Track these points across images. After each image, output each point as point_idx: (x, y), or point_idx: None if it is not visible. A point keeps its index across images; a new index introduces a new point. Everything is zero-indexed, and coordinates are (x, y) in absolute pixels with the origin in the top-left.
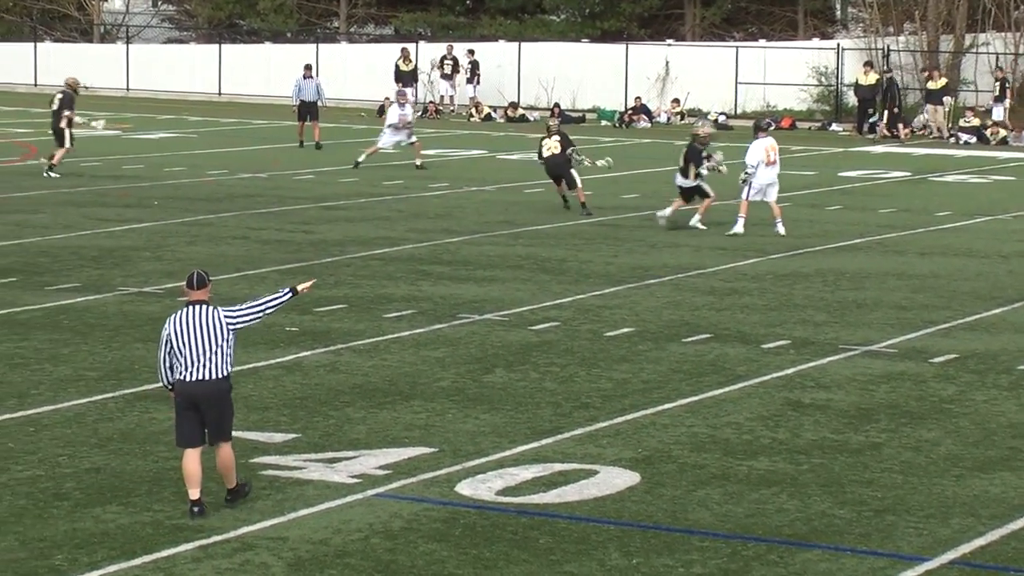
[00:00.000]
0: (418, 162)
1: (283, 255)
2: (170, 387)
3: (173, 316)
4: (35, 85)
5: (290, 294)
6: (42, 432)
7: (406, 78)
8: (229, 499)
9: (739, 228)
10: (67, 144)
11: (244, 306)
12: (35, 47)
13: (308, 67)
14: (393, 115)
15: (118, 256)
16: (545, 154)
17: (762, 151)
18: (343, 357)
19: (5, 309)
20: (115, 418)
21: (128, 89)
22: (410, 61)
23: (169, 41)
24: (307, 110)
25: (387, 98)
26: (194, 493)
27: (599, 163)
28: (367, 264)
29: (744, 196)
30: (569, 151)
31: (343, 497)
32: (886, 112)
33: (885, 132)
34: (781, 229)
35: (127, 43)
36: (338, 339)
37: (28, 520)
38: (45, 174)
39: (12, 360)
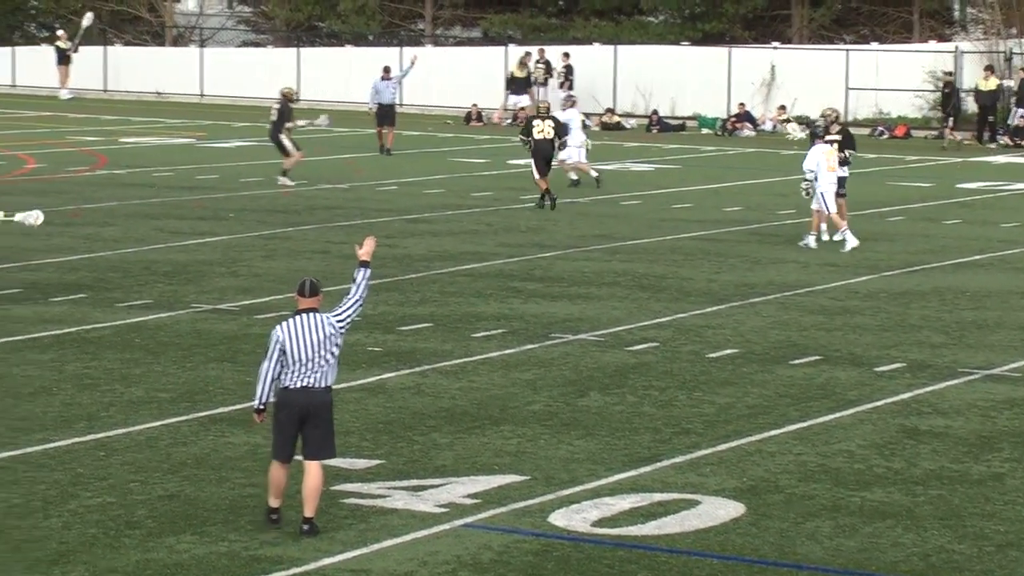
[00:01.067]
0: (574, 176)
1: None
2: (262, 407)
3: (283, 324)
4: (104, 91)
5: (364, 268)
6: (113, 457)
7: (519, 85)
8: (306, 529)
9: (811, 242)
10: (293, 152)
11: (342, 305)
12: (105, 51)
13: (387, 69)
14: (577, 136)
15: (192, 271)
16: (536, 136)
17: (821, 156)
18: (429, 379)
19: (75, 327)
20: (189, 442)
21: (202, 95)
22: (526, 67)
23: (245, 44)
24: (385, 114)
25: (474, 104)
26: (275, 502)
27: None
28: (454, 280)
29: (816, 206)
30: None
31: (429, 527)
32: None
33: (1008, 141)
34: (848, 240)
35: (201, 46)
36: (424, 360)
37: (98, 550)
38: (279, 180)
39: (82, 381)
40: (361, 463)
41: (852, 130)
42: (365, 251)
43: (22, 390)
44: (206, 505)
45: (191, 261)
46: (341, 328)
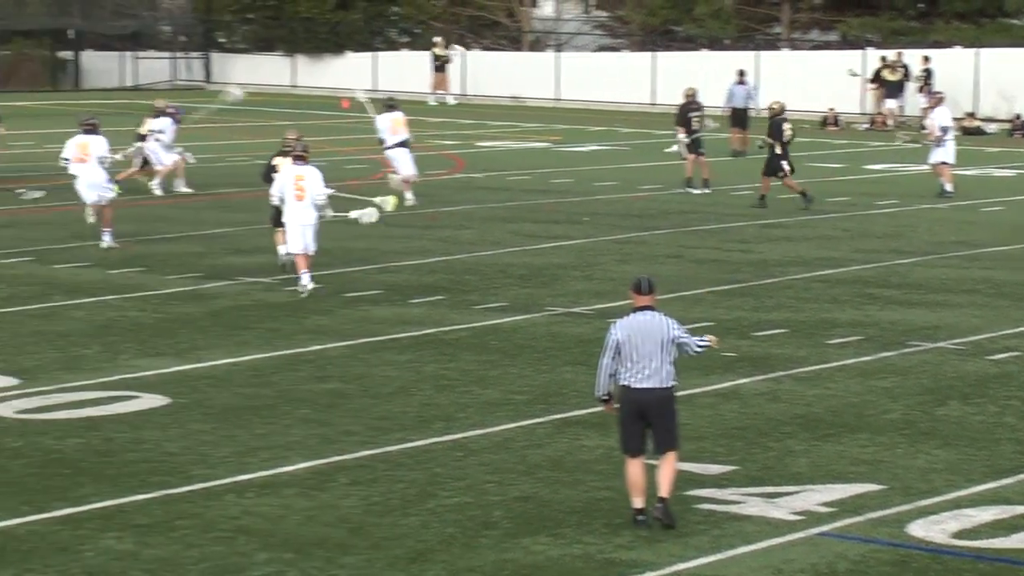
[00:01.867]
0: (948, 187)
1: (719, 275)
2: (606, 396)
3: (621, 321)
4: (463, 95)
5: (702, 344)
6: (470, 457)
7: (891, 88)
8: (659, 505)
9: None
10: (686, 154)
11: (686, 333)
12: (464, 56)
13: (741, 72)
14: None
15: (546, 275)
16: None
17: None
18: (784, 385)
19: (432, 328)
20: (544, 444)
21: (558, 99)
22: (896, 70)
23: (600, 49)
24: (739, 118)
25: (831, 108)
26: (638, 502)
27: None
28: (809, 287)
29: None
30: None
31: (784, 535)
32: None
33: None
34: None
35: (557, 51)
36: (778, 366)
37: (456, 549)
38: (687, 191)
39: (439, 381)
40: (715, 468)
41: None
42: (710, 340)
43: (381, 390)
44: (561, 507)
45: (546, 264)
46: (676, 340)
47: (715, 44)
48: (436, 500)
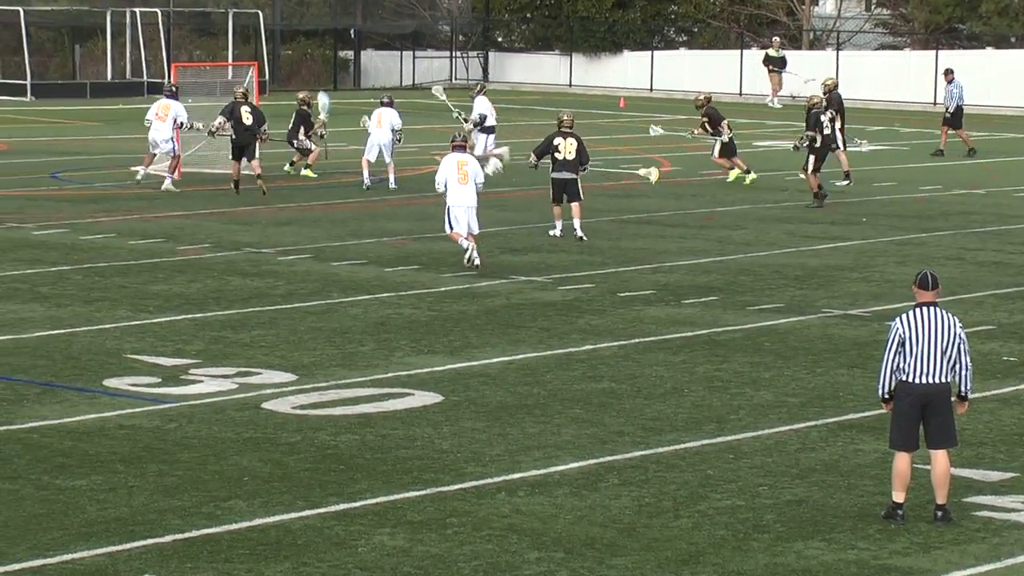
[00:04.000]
0: None
1: (1001, 278)
2: (888, 396)
3: (903, 316)
4: (740, 95)
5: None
6: (741, 460)
7: None
8: (939, 516)
9: None
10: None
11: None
12: (741, 55)
13: (949, 72)
14: None
15: (823, 276)
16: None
17: None
18: None
19: (705, 329)
20: (817, 448)
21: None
22: None
23: (882, 47)
24: (957, 117)
25: None
26: (899, 496)
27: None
28: None
29: None
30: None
31: None
32: None
33: None
34: None
35: (837, 49)
36: None
37: (726, 552)
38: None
39: (712, 383)
40: (994, 475)
41: None
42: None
43: (654, 390)
44: (835, 511)
45: (822, 266)
46: (962, 339)
47: (1001, 42)
48: (707, 502)
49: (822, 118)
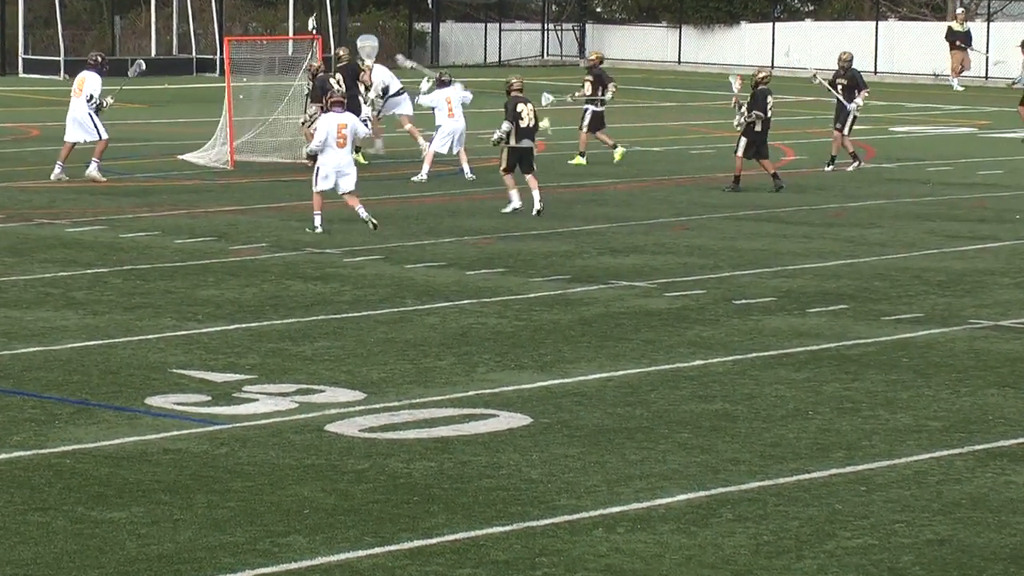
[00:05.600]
0: None
1: None
2: None
3: None
4: (874, 72)
5: None
6: (874, 493)
7: None
8: None
9: None
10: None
11: None
12: (876, 26)
13: None
14: None
15: (970, 281)
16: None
17: None
18: None
19: (834, 342)
20: (963, 479)
21: (987, 77)
22: None
23: None
24: None
25: None
26: None
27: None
28: None
29: None
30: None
31: None
32: None
33: None
34: None
35: (987, 21)
36: None
37: None
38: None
39: (841, 404)
40: None
41: None
42: None
43: (774, 412)
44: (983, 553)
45: (969, 270)
46: None
47: None
48: (835, 541)
49: (769, 99)
